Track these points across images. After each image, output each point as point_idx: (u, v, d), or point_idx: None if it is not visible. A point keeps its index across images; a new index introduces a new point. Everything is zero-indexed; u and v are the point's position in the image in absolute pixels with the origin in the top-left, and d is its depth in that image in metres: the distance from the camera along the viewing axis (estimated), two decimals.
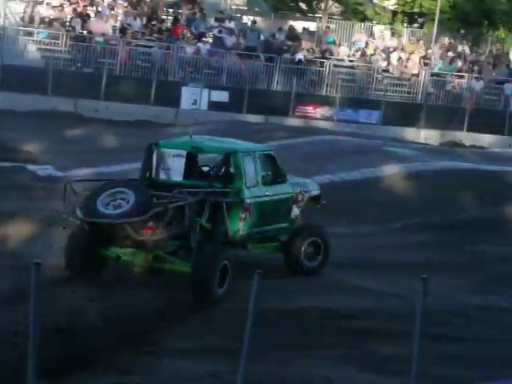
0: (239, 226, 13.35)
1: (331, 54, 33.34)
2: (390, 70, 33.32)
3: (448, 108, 32.51)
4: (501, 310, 12.05)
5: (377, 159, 21.85)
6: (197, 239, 12.70)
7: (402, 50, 34.39)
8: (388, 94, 32.33)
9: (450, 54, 34.63)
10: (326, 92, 32.34)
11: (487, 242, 15.97)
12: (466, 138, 31.70)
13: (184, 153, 13.91)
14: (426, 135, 31.43)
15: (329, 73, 32.49)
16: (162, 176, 13.70)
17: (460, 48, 35.38)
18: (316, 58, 32.75)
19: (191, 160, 14.01)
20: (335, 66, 32.86)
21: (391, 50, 34.20)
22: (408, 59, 33.66)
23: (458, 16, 36.67)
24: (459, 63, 34.08)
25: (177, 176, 13.81)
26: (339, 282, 13.03)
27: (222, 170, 13.39)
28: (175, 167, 13.94)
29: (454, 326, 11.03)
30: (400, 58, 33.52)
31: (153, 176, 13.52)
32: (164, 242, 12.47)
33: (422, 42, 34.98)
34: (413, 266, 13.91)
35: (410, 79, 33.34)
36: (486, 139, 31.54)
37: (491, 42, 37.13)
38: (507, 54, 36.52)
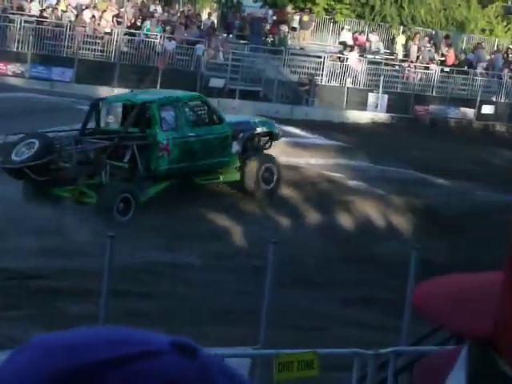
0: (158, 163, 16.36)
1: (22, 9, 32.41)
2: (83, 28, 32.98)
3: (141, 67, 32.78)
4: (188, 267, 12.50)
5: (69, 117, 21.66)
6: (105, 177, 15.72)
7: (95, 7, 34.12)
8: (81, 51, 32.03)
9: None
10: (17, 48, 31.46)
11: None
12: None
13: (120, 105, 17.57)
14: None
15: (20, 29, 31.58)
16: (103, 125, 17.33)
17: (152, 7, 35.68)
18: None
19: (126, 110, 17.06)
20: (26, 21, 31.99)
21: (84, 7, 33.82)
22: (101, 17, 33.47)
23: None
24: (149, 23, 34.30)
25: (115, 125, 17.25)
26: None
27: (140, 118, 16.57)
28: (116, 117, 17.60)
29: (143, 282, 11.29)
30: (93, 16, 33.24)
31: (97, 126, 16.98)
32: (71, 180, 15.85)
33: (114, 0, 34.88)
34: None
35: (103, 37, 33.19)
36: None
37: (183, 3, 37.79)
38: (199, 14, 37.36)
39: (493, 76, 39.05)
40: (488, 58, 39.86)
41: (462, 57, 38.99)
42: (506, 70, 39.13)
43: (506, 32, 43.01)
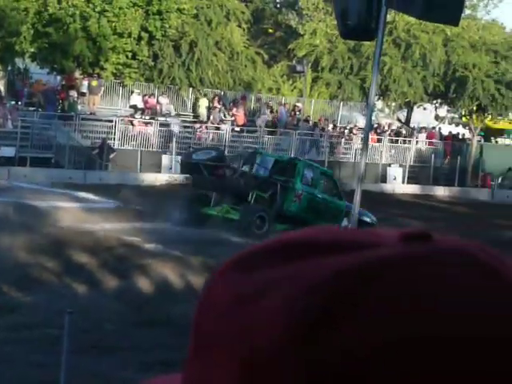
0: (290, 205, 21.85)
1: None
2: None
3: None
4: None
5: None
6: (251, 200, 21.75)
7: None
8: None
9: None
10: None
11: None
12: None
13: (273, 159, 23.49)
14: None
15: None
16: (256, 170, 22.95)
17: None
18: None
19: (276, 163, 22.85)
20: None
21: None
22: None
23: None
24: None
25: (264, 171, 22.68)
26: None
27: (286, 169, 22.31)
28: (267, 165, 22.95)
29: None
30: None
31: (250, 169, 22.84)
32: (227, 190, 21.92)
33: None
34: None
35: None
36: None
37: None
38: None
39: (281, 133, 40.38)
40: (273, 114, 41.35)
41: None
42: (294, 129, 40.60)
43: (292, 90, 44.71)
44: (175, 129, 37.02)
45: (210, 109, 39.50)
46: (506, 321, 0.62)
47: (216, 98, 39.96)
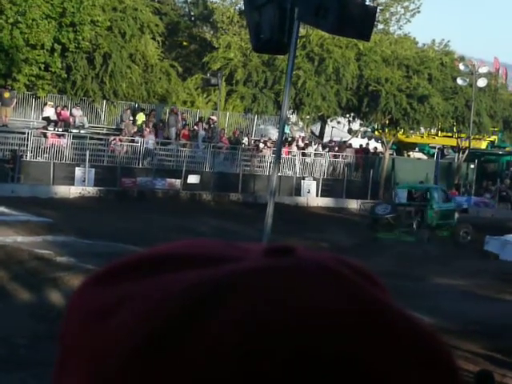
0: (432, 220, 31.16)
1: None
2: None
3: None
4: None
5: None
6: (415, 225, 30.72)
7: None
8: None
9: None
10: None
11: None
12: None
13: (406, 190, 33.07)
14: None
15: None
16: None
17: None
18: None
19: (410, 192, 32.83)
20: None
21: None
22: None
23: None
24: None
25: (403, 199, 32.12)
26: None
27: (423, 196, 32.17)
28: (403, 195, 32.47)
29: None
30: None
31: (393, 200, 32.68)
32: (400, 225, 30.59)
33: None
34: None
35: None
36: None
37: None
38: None
39: (197, 146, 40.38)
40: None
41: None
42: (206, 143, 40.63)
43: (207, 103, 44.75)
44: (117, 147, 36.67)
45: (146, 123, 39.26)
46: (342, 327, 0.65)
47: (152, 113, 40.00)
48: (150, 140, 38.37)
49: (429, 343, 0.68)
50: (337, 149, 45.94)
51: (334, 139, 51.56)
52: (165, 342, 0.63)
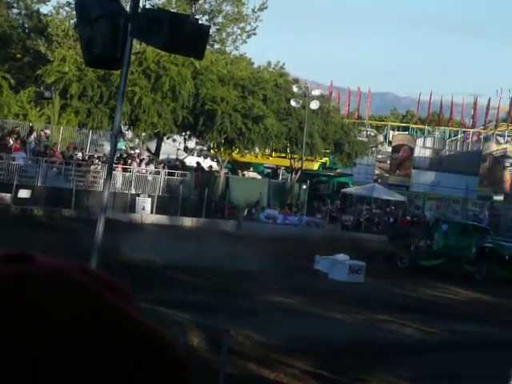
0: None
1: None
2: None
3: None
4: None
5: None
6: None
7: None
8: None
9: None
10: None
11: None
12: None
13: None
14: None
15: None
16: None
17: None
18: None
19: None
20: None
21: None
22: None
23: None
24: None
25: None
26: None
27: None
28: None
29: None
30: None
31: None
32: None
33: None
34: None
35: None
36: None
37: None
38: None
39: (30, 160, 39.48)
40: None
41: None
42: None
43: (40, 116, 43.80)
44: None
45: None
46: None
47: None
48: None
49: (160, 349, 0.75)
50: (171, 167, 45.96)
51: (170, 157, 51.58)
52: None
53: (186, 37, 8.68)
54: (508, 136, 69.42)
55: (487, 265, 32.94)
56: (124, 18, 8.96)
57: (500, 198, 55.45)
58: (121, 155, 44.27)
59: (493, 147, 57.64)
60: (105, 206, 10.56)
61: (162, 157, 49.58)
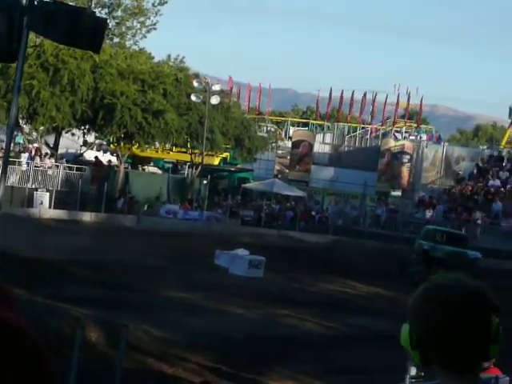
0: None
1: None
2: None
3: None
4: None
5: None
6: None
7: None
8: None
9: None
10: None
11: None
12: None
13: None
14: None
15: None
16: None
17: None
18: None
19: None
20: None
21: None
22: None
23: None
24: None
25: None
26: None
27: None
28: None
29: None
30: None
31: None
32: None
33: None
34: None
35: None
36: None
37: None
38: None
39: None
40: None
41: None
42: None
43: None
44: None
45: None
46: None
47: None
48: None
49: (19, 341, 0.80)
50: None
51: (69, 151, 50.92)
52: None
53: (83, 30, 8.61)
54: (406, 132, 70.99)
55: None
56: (20, 11, 8.82)
57: (398, 193, 56.54)
58: (19, 150, 43.49)
59: (391, 143, 58.69)
60: (0, 201, 10.39)
61: (60, 151, 48.87)
